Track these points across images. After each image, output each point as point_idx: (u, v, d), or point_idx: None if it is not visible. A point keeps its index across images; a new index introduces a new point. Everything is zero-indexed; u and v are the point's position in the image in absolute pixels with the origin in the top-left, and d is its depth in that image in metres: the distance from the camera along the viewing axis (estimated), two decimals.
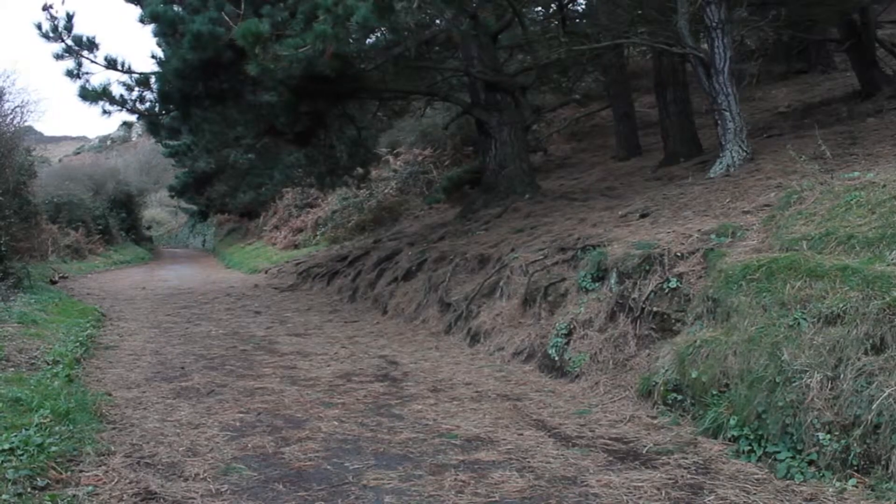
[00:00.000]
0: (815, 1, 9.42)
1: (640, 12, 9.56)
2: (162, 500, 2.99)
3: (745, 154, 7.66)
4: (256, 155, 14.20)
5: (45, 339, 6.27)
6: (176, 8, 8.59)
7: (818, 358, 3.30)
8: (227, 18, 7.94)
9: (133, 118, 12.77)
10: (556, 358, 5.40)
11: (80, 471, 3.25)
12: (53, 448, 3.32)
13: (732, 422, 3.59)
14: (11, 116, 13.70)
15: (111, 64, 9.39)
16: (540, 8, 15.01)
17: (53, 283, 13.15)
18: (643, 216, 6.82)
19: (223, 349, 6.88)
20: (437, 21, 11.90)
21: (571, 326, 5.49)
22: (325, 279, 12.66)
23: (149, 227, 39.11)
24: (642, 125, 15.34)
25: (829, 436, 3.10)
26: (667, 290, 4.94)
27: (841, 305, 3.40)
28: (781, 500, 2.94)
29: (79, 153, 52.87)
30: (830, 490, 2.96)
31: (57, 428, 3.63)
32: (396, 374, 5.64)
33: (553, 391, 4.95)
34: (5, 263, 9.79)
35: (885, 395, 2.95)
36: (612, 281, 5.46)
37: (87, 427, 3.83)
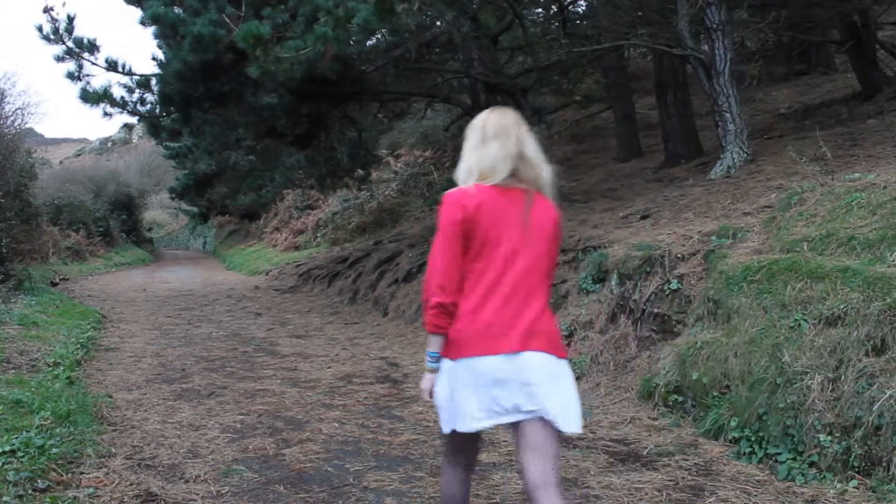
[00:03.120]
0: (816, 2, 9.41)
1: (640, 14, 9.56)
2: (163, 502, 2.99)
3: (745, 155, 7.66)
4: (257, 157, 14.19)
5: (45, 341, 6.27)
6: (177, 10, 8.59)
7: (819, 359, 3.30)
8: (227, 20, 7.94)
9: (134, 120, 12.73)
10: None
11: (81, 473, 3.25)
12: (54, 450, 3.32)
13: (733, 423, 3.58)
14: (12, 119, 13.72)
15: (112, 66, 9.39)
16: (540, 10, 15.02)
17: (54, 284, 13.16)
18: (644, 217, 6.81)
19: (224, 351, 6.89)
20: (438, 23, 11.90)
21: (572, 328, 5.49)
22: (325, 281, 12.66)
23: (149, 229, 39.11)
24: (643, 127, 15.33)
25: (830, 437, 3.10)
26: (668, 292, 4.93)
27: (842, 307, 3.40)
28: (782, 502, 2.94)
29: (79, 155, 52.93)
30: (831, 492, 2.95)
31: (58, 430, 3.63)
32: (397, 376, 5.64)
33: None
34: (6, 265, 9.80)
35: (886, 396, 2.95)
36: (613, 282, 5.46)
37: (87, 429, 3.83)
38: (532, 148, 2.23)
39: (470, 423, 2.08)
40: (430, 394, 2.22)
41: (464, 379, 2.09)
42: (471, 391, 2.07)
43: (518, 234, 2.14)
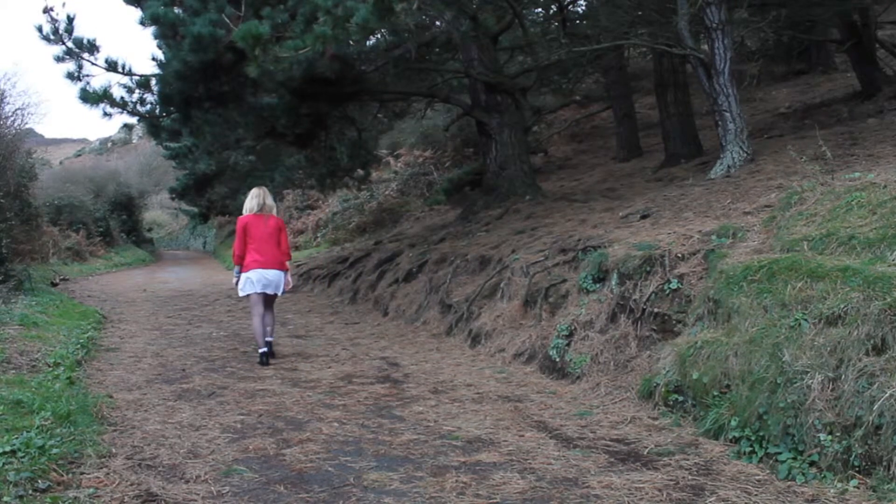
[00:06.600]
0: (816, 1, 9.42)
1: (640, 13, 9.57)
2: (163, 503, 2.99)
3: (745, 155, 7.66)
4: (257, 157, 14.18)
5: (46, 342, 6.27)
6: (176, 10, 8.58)
7: (819, 359, 3.30)
8: (227, 20, 7.93)
9: (134, 120, 12.72)
10: (557, 359, 5.40)
11: (82, 473, 3.25)
12: (55, 450, 3.32)
13: (734, 423, 3.58)
14: (12, 119, 13.72)
15: (112, 66, 9.38)
16: (540, 9, 15.02)
17: (54, 285, 13.16)
18: (644, 217, 6.82)
19: (224, 351, 6.89)
20: (438, 23, 11.90)
21: (572, 328, 5.49)
22: (325, 281, 12.66)
23: (149, 230, 39.11)
24: (643, 126, 15.34)
25: (830, 437, 3.10)
26: (668, 292, 4.94)
27: (842, 306, 3.40)
28: (783, 502, 2.94)
29: (79, 155, 52.96)
30: (832, 491, 2.95)
31: (58, 430, 3.63)
32: (397, 376, 5.64)
33: (554, 392, 4.95)
34: (6, 266, 9.80)
35: (887, 395, 2.95)
36: (613, 282, 5.46)
37: (88, 429, 3.83)
38: (269, 199, 6.53)
39: (248, 290, 6.35)
40: (237, 285, 6.48)
41: (248, 278, 6.32)
42: (250, 282, 6.32)
43: (262, 230, 6.36)
